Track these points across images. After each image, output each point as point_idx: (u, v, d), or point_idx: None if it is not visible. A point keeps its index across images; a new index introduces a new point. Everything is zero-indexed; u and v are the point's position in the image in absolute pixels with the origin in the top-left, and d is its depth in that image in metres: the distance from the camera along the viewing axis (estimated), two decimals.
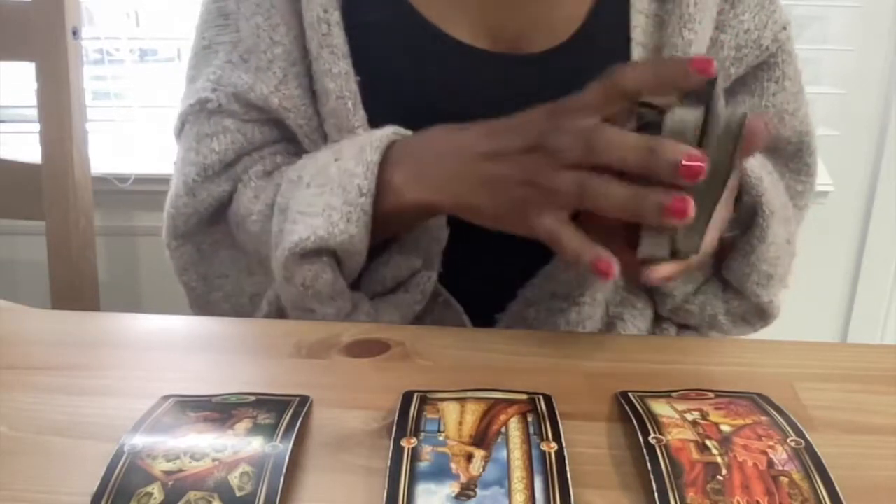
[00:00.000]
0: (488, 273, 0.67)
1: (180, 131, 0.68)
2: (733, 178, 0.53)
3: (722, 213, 0.52)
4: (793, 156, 0.72)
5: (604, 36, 0.65)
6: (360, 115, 0.63)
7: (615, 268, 0.48)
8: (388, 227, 0.59)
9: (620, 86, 0.48)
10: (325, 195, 0.57)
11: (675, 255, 0.49)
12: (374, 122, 0.62)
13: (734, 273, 0.65)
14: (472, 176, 0.54)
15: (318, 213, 0.57)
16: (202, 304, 0.69)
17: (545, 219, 0.50)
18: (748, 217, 0.63)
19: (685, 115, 0.47)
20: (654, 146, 0.46)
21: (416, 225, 0.62)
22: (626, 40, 0.64)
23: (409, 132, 0.59)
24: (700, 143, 0.46)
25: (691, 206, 0.45)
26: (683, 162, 0.44)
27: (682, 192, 0.45)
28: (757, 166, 0.63)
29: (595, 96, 0.49)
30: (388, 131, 0.59)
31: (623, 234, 0.50)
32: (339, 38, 0.63)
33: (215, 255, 0.68)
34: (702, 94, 0.47)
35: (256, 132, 0.67)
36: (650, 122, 0.49)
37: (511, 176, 0.52)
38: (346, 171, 0.57)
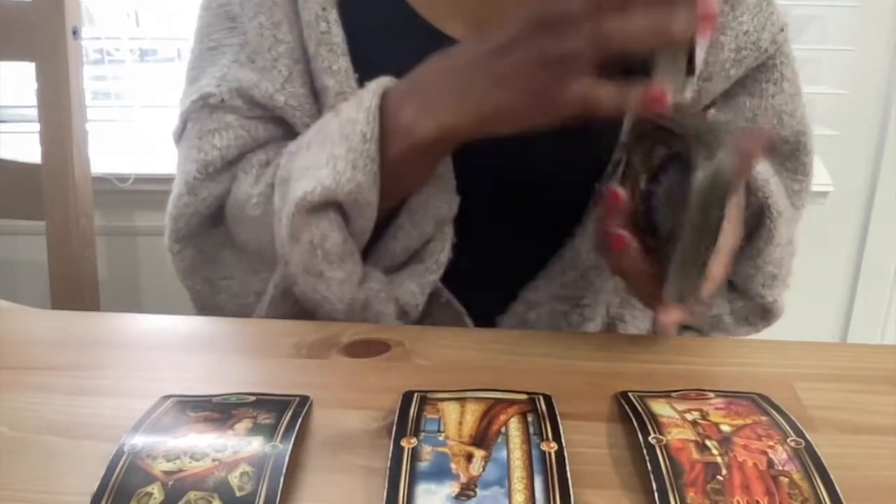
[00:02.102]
0: (489, 275, 0.67)
1: (181, 132, 0.68)
2: (737, 194, 0.53)
3: (729, 241, 0.52)
4: (789, 155, 0.72)
5: None
6: None
7: (666, 93, 0.47)
8: (399, 177, 0.57)
9: None
10: (326, 148, 0.56)
11: (681, 297, 0.49)
12: None
13: (740, 274, 0.65)
14: (484, 79, 0.52)
15: (321, 164, 0.55)
16: (207, 307, 0.69)
17: (574, 87, 0.48)
18: (754, 218, 0.63)
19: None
20: None
21: (429, 170, 0.59)
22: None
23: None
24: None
25: (716, 4, 0.45)
26: None
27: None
28: (763, 168, 0.63)
29: None
30: (384, 78, 0.57)
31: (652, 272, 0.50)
32: (337, 35, 0.63)
33: (218, 256, 0.68)
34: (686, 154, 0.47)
35: (260, 129, 0.66)
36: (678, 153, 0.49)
37: (523, 61, 0.50)
38: (346, 120, 0.56)
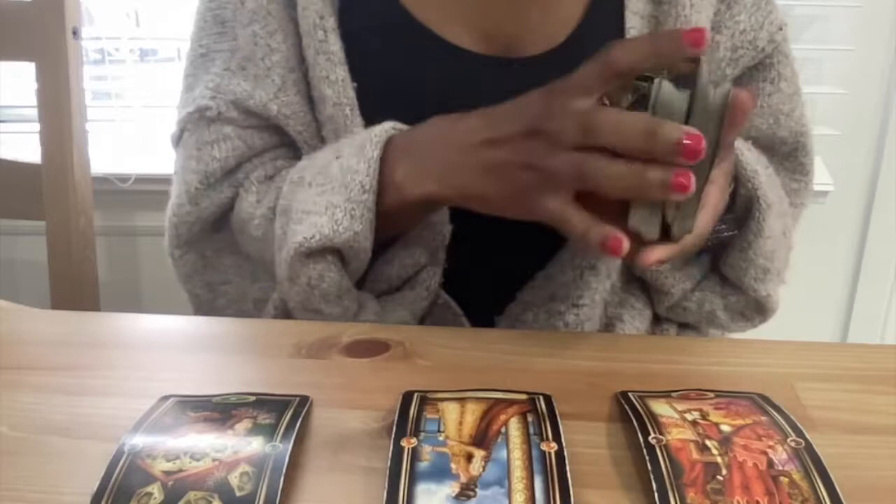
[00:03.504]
0: (487, 276, 0.67)
1: (179, 139, 0.68)
2: (727, 162, 0.53)
3: (715, 195, 0.52)
4: (788, 155, 0.72)
5: (598, 38, 0.65)
6: (358, 121, 0.63)
7: (625, 242, 0.48)
8: (393, 223, 0.59)
9: (615, 65, 0.48)
10: (326, 194, 0.57)
11: (666, 236, 0.49)
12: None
13: (732, 268, 0.65)
14: (473, 165, 0.54)
15: (321, 211, 0.57)
16: (207, 312, 0.69)
17: (549, 202, 0.50)
18: (744, 211, 0.63)
19: (672, 95, 0.47)
20: (654, 128, 0.46)
21: (421, 220, 0.62)
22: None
23: (406, 126, 0.59)
24: (686, 122, 0.46)
25: (692, 181, 0.45)
26: (684, 141, 0.45)
27: (682, 168, 0.46)
28: (752, 160, 0.63)
29: (590, 77, 0.49)
30: (387, 126, 0.58)
31: (620, 215, 0.50)
32: (335, 44, 0.63)
33: (219, 261, 0.68)
34: (691, 76, 0.47)
35: (256, 138, 0.67)
36: (646, 94, 0.49)
37: (511, 161, 0.52)
38: (347, 168, 0.57)
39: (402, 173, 0.56)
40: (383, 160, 0.57)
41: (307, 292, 0.59)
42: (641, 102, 0.49)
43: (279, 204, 0.61)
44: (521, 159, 0.51)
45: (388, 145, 0.57)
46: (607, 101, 0.51)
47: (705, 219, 0.51)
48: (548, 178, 0.50)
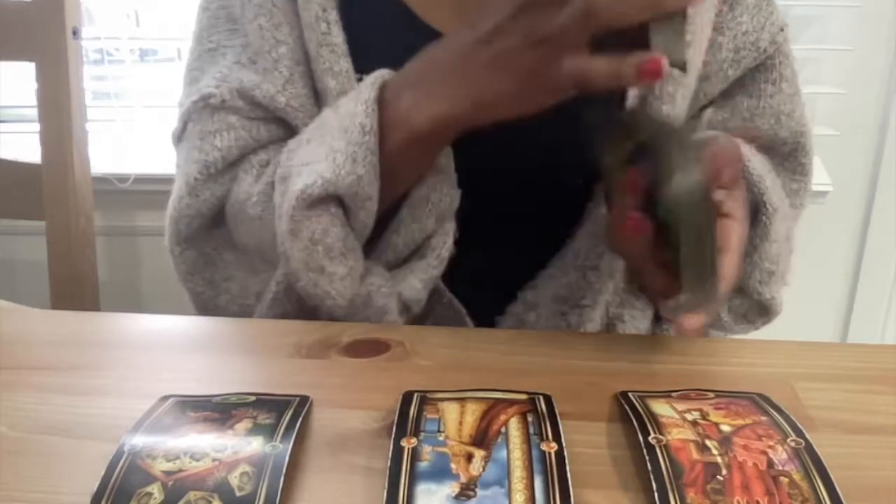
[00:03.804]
0: (489, 276, 0.67)
1: (181, 133, 0.67)
2: (739, 190, 0.53)
3: (738, 230, 0.52)
4: (788, 156, 0.72)
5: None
6: None
7: (664, 61, 0.46)
8: (401, 168, 0.57)
9: None
10: (326, 142, 0.56)
11: (696, 300, 0.50)
12: None
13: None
14: (477, 65, 0.52)
15: (321, 159, 0.56)
16: (208, 309, 0.69)
17: (566, 63, 0.48)
18: (749, 215, 0.63)
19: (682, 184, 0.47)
20: None
21: (432, 158, 0.59)
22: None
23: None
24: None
25: None
26: None
27: None
28: (758, 165, 0.63)
29: None
30: (381, 71, 0.57)
31: (656, 256, 0.50)
32: (338, 36, 0.63)
33: (220, 257, 0.68)
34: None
35: (262, 130, 0.66)
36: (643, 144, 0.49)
37: (514, 45, 0.50)
38: (345, 113, 0.56)
39: (407, 104, 0.55)
40: (382, 101, 0.55)
41: (310, 248, 0.57)
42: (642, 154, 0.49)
43: (278, 173, 0.60)
44: (523, 38, 0.50)
45: (386, 88, 0.56)
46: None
47: (731, 261, 0.51)
48: (558, 40, 0.48)
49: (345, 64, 0.63)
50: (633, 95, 0.64)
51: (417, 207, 0.60)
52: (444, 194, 0.61)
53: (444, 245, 0.62)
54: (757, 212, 0.62)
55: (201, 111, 0.65)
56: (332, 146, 0.55)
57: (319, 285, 0.58)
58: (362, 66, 0.63)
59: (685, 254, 0.47)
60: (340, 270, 0.58)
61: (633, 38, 0.47)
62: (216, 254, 0.68)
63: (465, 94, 0.53)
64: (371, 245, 0.62)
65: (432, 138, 0.57)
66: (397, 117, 0.55)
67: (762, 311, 0.68)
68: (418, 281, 0.61)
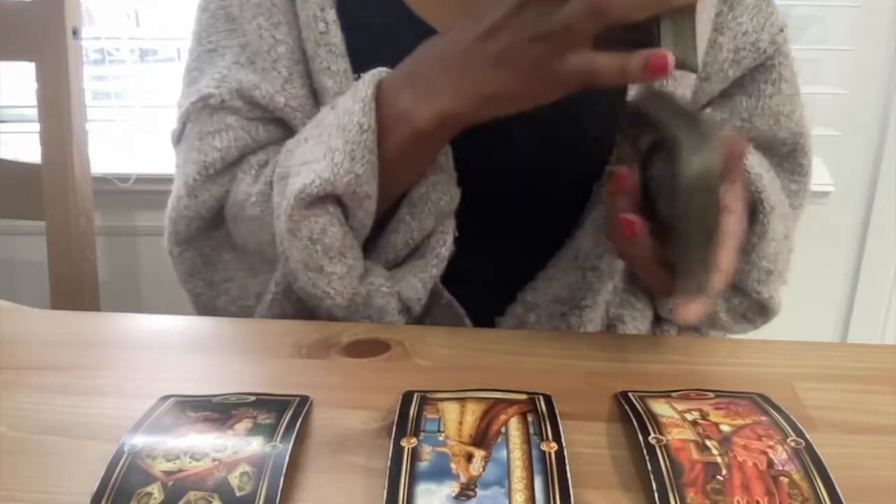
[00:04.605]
0: (489, 276, 0.67)
1: (180, 134, 0.67)
2: (737, 185, 0.53)
3: (734, 223, 0.52)
4: (787, 156, 0.72)
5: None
6: None
7: (669, 58, 0.46)
8: (399, 169, 0.57)
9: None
10: (324, 141, 0.56)
11: (694, 291, 0.49)
12: None
13: (735, 270, 0.65)
14: (479, 61, 0.52)
15: (319, 158, 0.55)
16: (208, 310, 0.69)
17: (571, 59, 0.48)
18: (747, 213, 0.63)
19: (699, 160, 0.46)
20: None
21: (432, 156, 0.59)
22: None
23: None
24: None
25: None
26: None
27: None
28: (756, 163, 0.63)
29: None
30: (378, 69, 0.57)
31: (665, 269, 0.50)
32: (336, 36, 0.63)
33: (219, 258, 0.68)
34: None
35: (261, 130, 0.65)
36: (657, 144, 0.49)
37: (518, 40, 0.50)
38: (343, 112, 0.56)
39: (407, 101, 0.54)
40: (380, 99, 0.55)
41: (309, 248, 0.57)
42: (656, 152, 0.49)
43: (276, 172, 0.60)
44: (525, 32, 0.49)
45: (383, 85, 0.56)
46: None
47: (729, 255, 0.50)
48: (560, 35, 0.48)
49: (342, 63, 0.63)
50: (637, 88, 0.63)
51: (417, 206, 0.60)
52: (443, 193, 0.60)
53: (443, 244, 0.62)
54: (754, 210, 0.62)
55: (200, 112, 0.65)
56: (330, 145, 0.55)
57: (318, 285, 0.58)
58: (360, 66, 0.63)
59: (685, 241, 0.47)
60: (339, 269, 0.58)
61: (636, 37, 0.47)
62: (215, 255, 0.68)
63: (468, 90, 0.53)
64: (370, 244, 0.62)
65: (433, 136, 0.56)
66: (397, 115, 0.55)
67: (761, 311, 0.68)
68: (418, 280, 0.61)
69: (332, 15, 0.63)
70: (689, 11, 0.47)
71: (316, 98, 0.65)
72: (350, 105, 0.56)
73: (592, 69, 0.48)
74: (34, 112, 0.92)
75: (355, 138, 0.55)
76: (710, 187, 0.46)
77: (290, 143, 0.61)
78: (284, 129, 0.66)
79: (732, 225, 0.51)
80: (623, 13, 0.46)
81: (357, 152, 0.55)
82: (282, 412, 0.43)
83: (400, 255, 0.62)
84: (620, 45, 0.47)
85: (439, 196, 0.60)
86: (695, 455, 0.39)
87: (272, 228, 0.60)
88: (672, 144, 0.46)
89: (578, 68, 0.48)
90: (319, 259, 0.57)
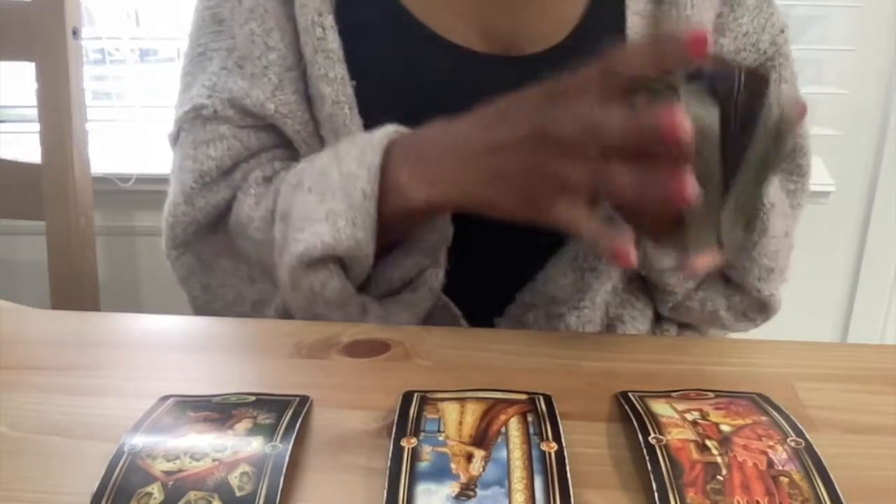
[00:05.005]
0: (487, 277, 0.67)
1: (176, 138, 0.68)
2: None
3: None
4: (787, 157, 0.72)
5: (598, 37, 0.65)
6: (357, 120, 0.63)
7: (633, 255, 0.47)
8: (395, 228, 0.59)
9: (615, 71, 0.47)
10: (327, 201, 0.57)
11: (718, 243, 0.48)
12: (370, 125, 0.62)
13: (735, 268, 0.65)
14: (479, 171, 0.53)
15: (321, 219, 0.56)
16: (206, 313, 0.69)
17: (559, 206, 0.49)
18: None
19: (698, 110, 0.45)
20: (643, 123, 0.44)
21: (424, 223, 0.61)
22: (622, 42, 0.64)
23: (406, 130, 0.58)
24: (722, 138, 0.45)
25: (688, 188, 0.43)
26: (663, 124, 0.43)
27: (683, 175, 0.44)
28: None
29: (590, 81, 0.48)
30: (388, 130, 0.58)
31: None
32: (333, 42, 0.63)
33: (216, 264, 0.68)
34: (711, 76, 0.45)
35: (253, 138, 0.66)
36: (660, 95, 0.48)
37: (518, 168, 0.51)
38: (348, 174, 0.56)
39: (406, 178, 0.56)
40: (385, 165, 0.56)
41: (310, 299, 0.59)
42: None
43: (278, 207, 0.61)
44: (527, 165, 0.50)
45: (390, 150, 0.57)
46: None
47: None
48: (557, 182, 0.49)
49: (340, 70, 0.63)
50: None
51: (412, 246, 0.62)
52: (438, 233, 0.62)
53: (436, 278, 0.63)
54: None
55: (193, 121, 0.66)
56: (333, 208, 0.56)
57: (318, 320, 0.60)
58: (359, 70, 0.63)
59: (745, 179, 0.46)
60: (338, 316, 0.60)
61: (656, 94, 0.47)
62: (212, 259, 0.68)
63: (462, 189, 0.54)
64: (366, 279, 0.62)
65: (424, 214, 0.58)
66: (396, 186, 0.56)
67: (762, 309, 0.68)
68: (412, 315, 0.63)
69: (329, 20, 0.63)
70: (715, 208, 0.47)
71: (311, 104, 0.65)
72: (355, 169, 0.56)
73: (573, 226, 0.49)
74: (34, 112, 0.92)
75: (358, 205, 0.56)
76: (790, 126, 0.45)
77: (291, 177, 0.62)
78: (276, 135, 0.67)
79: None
80: (621, 195, 0.47)
81: (359, 219, 0.56)
82: (282, 412, 0.43)
83: (394, 287, 0.63)
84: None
85: (434, 237, 0.62)
86: (695, 455, 0.39)
87: (273, 253, 0.61)
88: (761, 78, 0.45)
89: (561, 218, 0.50)
90: (319, 307, 0.59)
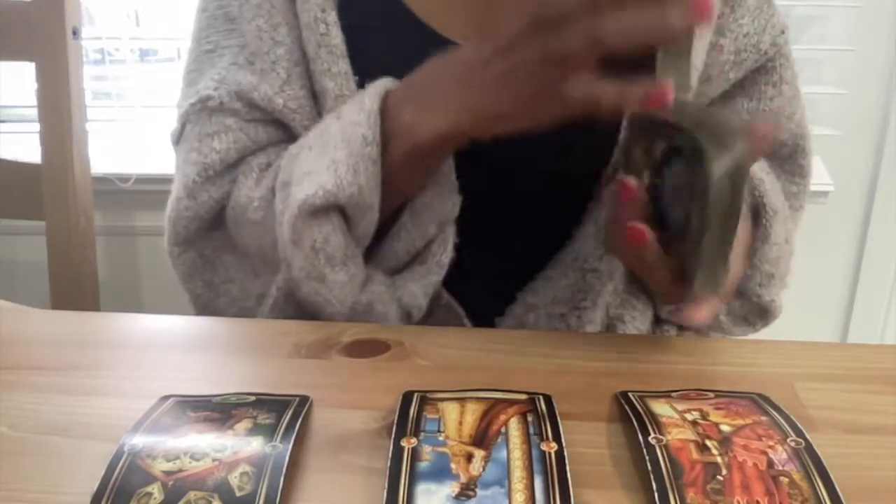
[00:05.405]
0: (489, 277, 0.67)
1: (180, 135, 0.68)
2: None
3: (744, 234, 0.52)
4: (787, 158, 0.72)
5: None
6: None
7: (669, 91, 0.46)
8: (402, 178, 0.57)
9: None
10: (328, 153, 0.56)
11: (709, 290, 0.49)
12: None
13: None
14: (484, 81, 0.52)
15: (323, 169, 0.56)
16: (208, 311, 0.69)
17: (574, 85, 0.48)
18: (749, 217, 0.63)
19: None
20: None
21: (433, 169, 0.59)
22: None
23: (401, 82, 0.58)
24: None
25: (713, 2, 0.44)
26: None
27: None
28: (757, 168, 0.63)
29: None
30: (384, 80, 0.57)
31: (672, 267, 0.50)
32: (337, 37, 0.63)
33: (219, 260, 0.68)
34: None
35: (260, 132, 0.66)
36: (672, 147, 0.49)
37: (522, 61, 0.50)
38: (347, 123, 0.56)
39: (411, 116, 0.55)
40: (385, 111, 0.55)
41: (311, 257, 0.57)
42: (671, 155, 0.49)
43: (279, 178, 0.60)
44: (531, 55, 0.49)
45: (388, 98, 0.56)
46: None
47: (737, 259, 0.50)
48: (567, 61, 0.48)
49: (343, 65, 0.63)
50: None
51: (419, 214, 0.60)
52: (445, 201, 0.60)
53: (444, 251, 0.62)
54: (757, 214, 0.62)
55: (199, 113, 0.65)
56: (334, 156, 0.55)
57: (320, 293, 0.59)
58: (361, 67, 0.63)
59: (709, 238, 0.47)
60: (341, 278, 0.58)
61: (640, 59, 0.47)
62: (215, 256, 0.68)
63: (471, 108, 0.53)
64: (372, 251, 0.62)
65: (434, 150, 0.57)
66: (399, 129, 0.55)
67: (762, 314, 0.68)
68: (418, 287, 0.62)
69: (332, 16, 0.63)
70: (686, 39, 0.47)
71: (316, 99, 0.65)
72: (355, 117, 0.56)
73: (594, 96, 0.48)
74: (34, 112, 0.92)
75: (359, 151, 0.55)
76: (736, 187, 0.46)
77: (293, 148, 0.61)
78: (283, 130, 0.66)
79: (740, 230, 0.51)
80: (622, 43, 0.46)
81: (360, 164, 0.55)
82: (282, 412, 0.43)
83: (401, 261, 0.62)
84: (627, 68, 0.48)
85: (441, 204, 0.60)
86: (695, 455, 0.39)
87: (274, 233, 0.60)
88: (695, 146, 0.46)
89: (580, 95, 0.48)
90: (322, 268, 0.58)
